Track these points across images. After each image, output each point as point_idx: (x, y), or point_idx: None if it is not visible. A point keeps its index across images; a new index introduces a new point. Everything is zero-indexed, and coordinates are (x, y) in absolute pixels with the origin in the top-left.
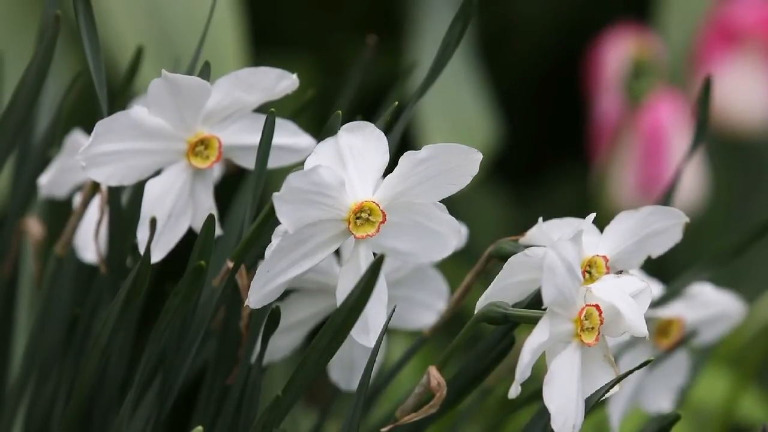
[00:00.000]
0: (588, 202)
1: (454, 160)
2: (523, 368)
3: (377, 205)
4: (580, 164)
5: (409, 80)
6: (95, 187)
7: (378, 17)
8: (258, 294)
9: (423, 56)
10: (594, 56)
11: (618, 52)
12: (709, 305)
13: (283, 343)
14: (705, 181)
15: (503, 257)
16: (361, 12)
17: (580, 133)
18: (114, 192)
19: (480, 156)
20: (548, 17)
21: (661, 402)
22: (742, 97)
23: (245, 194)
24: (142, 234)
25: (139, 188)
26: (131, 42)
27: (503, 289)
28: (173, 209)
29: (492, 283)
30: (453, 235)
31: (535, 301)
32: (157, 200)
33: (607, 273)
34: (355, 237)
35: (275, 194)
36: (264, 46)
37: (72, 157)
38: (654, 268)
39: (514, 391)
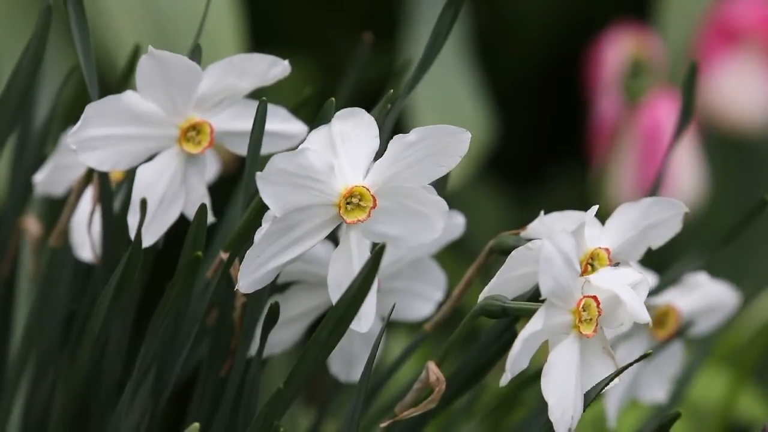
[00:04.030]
0: (587, 201)
1: (442, 141)
2: (514, 357)
3: (367, 189)
4: (579, 163)
5: (405, 77)
6: (88, 178)
7: (378, 16)
8: (248, 278)
9: (419, 54)
10: (593, 56)
11: (617, 52)
12: (705, 295)
13: (282, 337)
14: (704, 180)
15: (504, 251)
16: (361, 11)
17: (580, 132)
18: (106, 183)
19: (469, 135)
20: (548, 17)
21: (656, 392)
22: (742, 96)
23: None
24: (132, 220)
25: (132, 181)
26: (130, 41)
27: (505, 283)
28: (165, 195)
29: (494, 277)
30: (440, 216)
31: (537, 295)
32: (148, 186)
33: (609, 265)
34: (345, 222)
35: (258, 174)
36: (263, 45)
37: (68, 155)
38: (652, 266)
39: (504, 380)
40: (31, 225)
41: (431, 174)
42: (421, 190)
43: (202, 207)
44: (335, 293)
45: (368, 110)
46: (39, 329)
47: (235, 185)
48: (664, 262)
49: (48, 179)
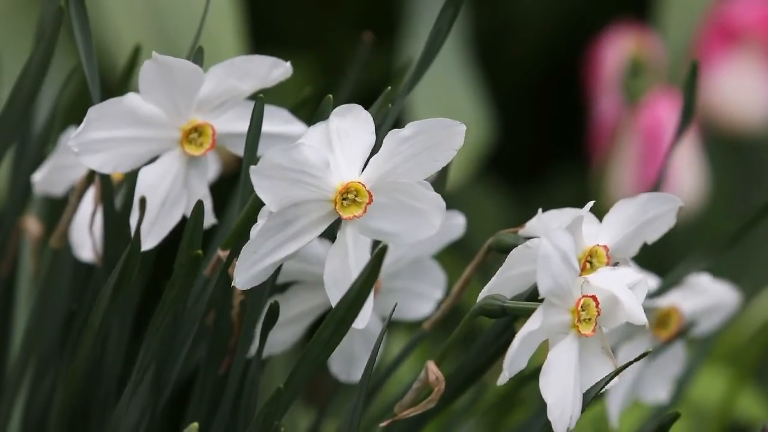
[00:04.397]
0: (587, 201)
1: (438, 135)
2: (512, 356)
3: (363, 185)
4: (579, 163)
5: (405, 77)
6: (89, 179)
7: (378, 16)
8: (245, 275)
9: (419, 54)
10: (594, 55)
11: (617, 51)
12: (706, 295)
13: (282, 337)
14: (704, 181)
15: (503, 249)
16: (361, 11)
17: (580, 132)
18: (108, 184)
19: (464, 128)
20: (548, 17)
21: (658, 393)
22: (742, 96)
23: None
24: (135, 221)
25: (133, 181)
26: (130, 41)
27: (504, 282)
28: (167, 197)
29: (494, 276)
30: (437, 213)
31: (536, 293)
32: (150, 188)
33: (608, 262)
34: (342, 218)
35: (252, 168)
36: (263, 45)
37: (67, 155)
38: (654, 267)
39: (502, 379)
40: (31, 225)
41: (427, 168)
42: (417, 186)
43: (199, 205)
44: (331, 289)
45: (367, 110)
46: (39, 330)
47: (235, 185)
48: (665, 262)
49: (47, 179)
